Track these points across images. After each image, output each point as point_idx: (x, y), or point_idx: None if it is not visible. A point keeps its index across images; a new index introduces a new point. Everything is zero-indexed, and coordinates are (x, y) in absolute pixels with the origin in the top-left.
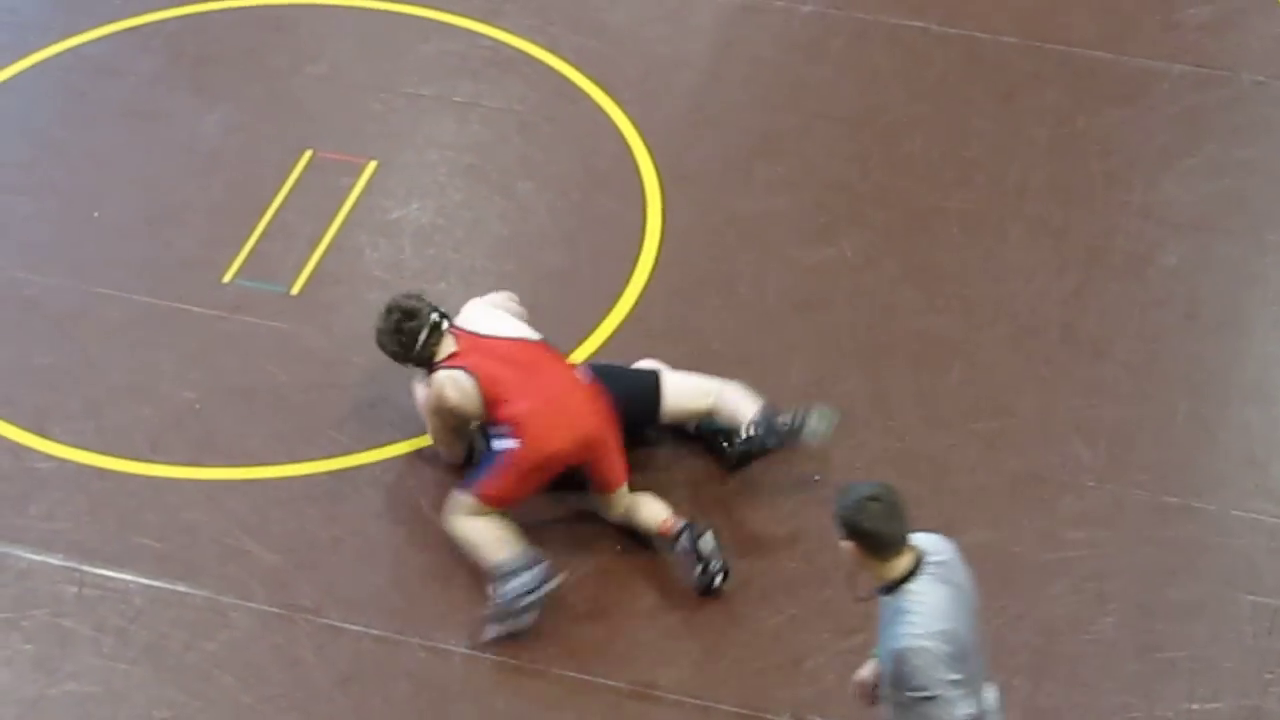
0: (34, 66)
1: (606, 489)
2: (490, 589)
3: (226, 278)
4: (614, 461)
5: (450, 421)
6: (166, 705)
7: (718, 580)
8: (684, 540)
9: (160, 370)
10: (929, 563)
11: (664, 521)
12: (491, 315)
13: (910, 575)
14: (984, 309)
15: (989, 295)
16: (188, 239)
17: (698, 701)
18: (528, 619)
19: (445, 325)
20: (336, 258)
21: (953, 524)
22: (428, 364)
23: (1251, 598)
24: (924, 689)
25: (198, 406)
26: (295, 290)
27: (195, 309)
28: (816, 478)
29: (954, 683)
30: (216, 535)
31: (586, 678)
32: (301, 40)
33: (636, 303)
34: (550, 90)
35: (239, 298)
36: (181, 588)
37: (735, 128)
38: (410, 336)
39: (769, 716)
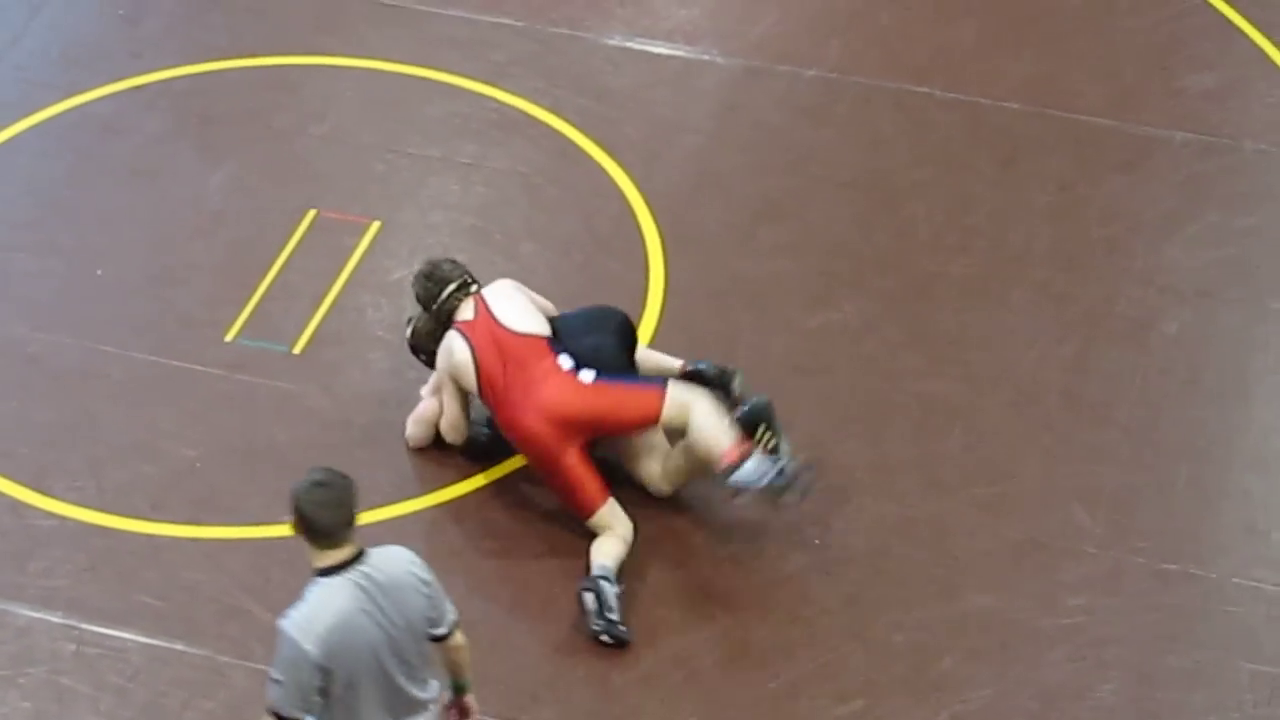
0: (39, 124)
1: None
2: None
3: (229, 337)
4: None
5: (444, 383)
6: None
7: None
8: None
9: (161, 429)
10: (359, 571)
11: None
12: (514, 302)
13: (332, 571)
14: (985, 374)
15: (990, 361)
16: (190, 298)
17: None
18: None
19: (473, 289)
20: (339, 318)
21: (952, 589)
22: (447, 319)
23: (1251, 666)
24: (276, 672)
25: (198, 465)
26: (297, 350)
27: (197, 368)
28: (816, 541)
29: (314, 687)
30: (216, 594)
31: None
32: (306, 100)
33: None
34: (554, 152)
35: (241, 357)
36: (180, 647)
37: (738, 191)
38: (438, 285)
39: None
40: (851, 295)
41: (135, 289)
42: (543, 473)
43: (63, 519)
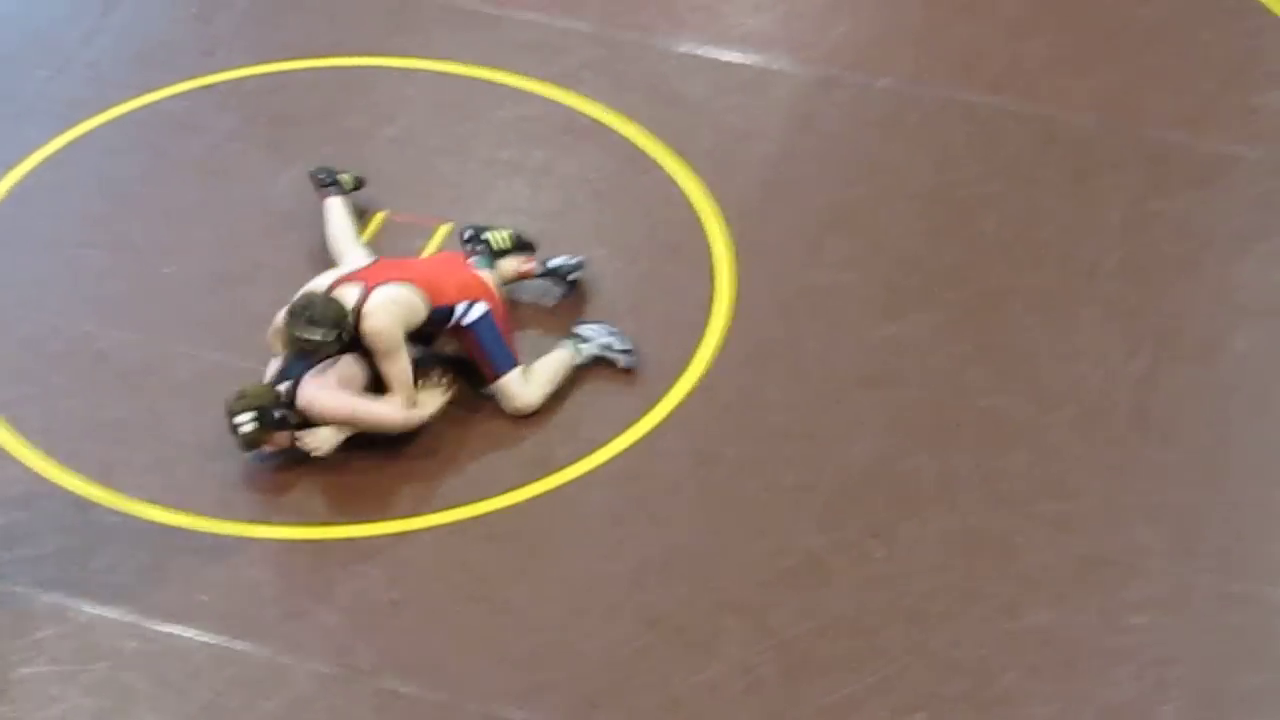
0: (111, 121)
1: None
2: (583, 359)
3: None
4: None
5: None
6: None
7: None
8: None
9: (228, 428)
10: None
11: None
12: (330, 271)
13: None
14: (1053, 390)
15: (1058, 376)
16: (259, 297)
17: None
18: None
19: (340, 284)
20: None
21: (1015, 605)
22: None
23: None
24: None
25: (264, 465)
26: None
27: (264, 368)
28: (879, 554)
29: None
30: (278, 595)
31: None
32: (378, 102)
33: (704, 374)
34: (624, 158)
35: None
36: (242, 646)
37: (808, 201)
38: (338, 306)
39: None
40: (920, 308)
41: (204, 287)
42: (489, 327)
43: (127, 516)
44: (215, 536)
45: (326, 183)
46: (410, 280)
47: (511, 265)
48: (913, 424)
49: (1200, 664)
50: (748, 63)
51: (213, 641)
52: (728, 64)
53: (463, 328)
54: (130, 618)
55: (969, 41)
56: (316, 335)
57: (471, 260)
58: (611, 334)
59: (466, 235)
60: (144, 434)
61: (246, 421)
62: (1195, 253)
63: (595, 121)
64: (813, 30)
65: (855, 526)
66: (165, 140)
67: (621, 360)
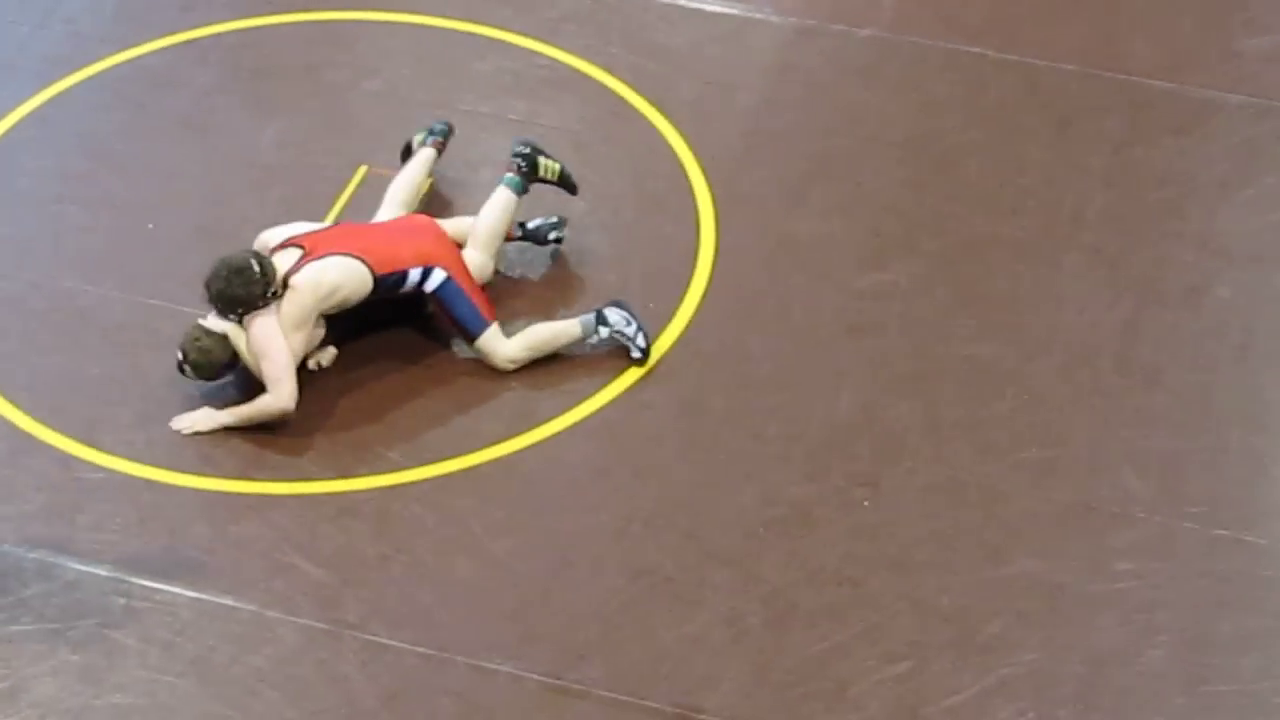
0: (92, 77)
1: None
2: (596, 340)
3: None
4: None
5: (308, 327)
6: (211, 719)
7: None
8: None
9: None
10: None
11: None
12: (291, 225)
13: None
14: (1037, 337)
15: (1042, 324)
16: None
17: None
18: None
19: (266, 252)
20: None
21: (1001, 553)
22: (279, 285)
23: None
24: None
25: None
26: None
27: None
28: (865, 503)
29: None
30: (265, 550)
31: (630, 699)
32: (359, 56)
33: (688, 325)
34: (606, 110)
35: None
36: (229, 601)
37: (790, 151)
38: (267, 267)
39: None
40: (903, 256)
41: (186, 243)
42: (454, 292)
43: (112, 472)
44: (200, 492)
45: (435, 132)
46: (358, 250)
47: None
48: (897, 373)
49: (1187, 609)
50: (730, 13)
51: (199, 597)
52: (709, 14)
53: (427, 294)
54: (116, 574)
55: None
56: (226, 298)
57: (501, 184)
58: (630, 324)
59: (518, 149)
60: (127, 390)
61: (190, 373)
62: (1177, 199)
63: (577, 73)
64: None
65: (840, 476)
66: (146, 96)
67: (634, 352)
